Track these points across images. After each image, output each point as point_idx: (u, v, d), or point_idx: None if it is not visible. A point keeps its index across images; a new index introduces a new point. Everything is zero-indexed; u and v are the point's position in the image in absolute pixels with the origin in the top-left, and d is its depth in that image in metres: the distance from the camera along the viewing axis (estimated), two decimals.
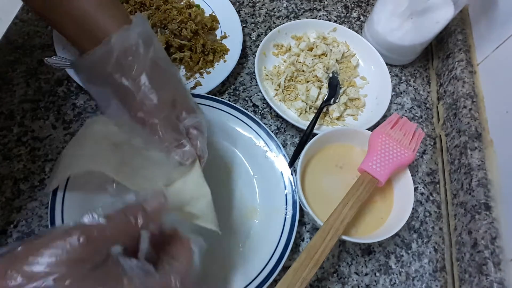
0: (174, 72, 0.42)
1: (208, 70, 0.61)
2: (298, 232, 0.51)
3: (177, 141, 0.38)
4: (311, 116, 0.59)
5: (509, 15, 0.56)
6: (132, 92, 0.38)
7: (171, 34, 0.61)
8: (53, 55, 0.56)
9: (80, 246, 0.25)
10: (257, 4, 0.73)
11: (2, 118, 0.54)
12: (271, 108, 0.60)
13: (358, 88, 0.65)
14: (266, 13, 0.73)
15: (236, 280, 0.45)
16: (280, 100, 0.61)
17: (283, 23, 0.68)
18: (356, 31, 0.70)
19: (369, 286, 0.50)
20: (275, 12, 0.73)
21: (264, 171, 0.53)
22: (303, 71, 0.64)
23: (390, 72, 0.65)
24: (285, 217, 0.48)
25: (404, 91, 0.67)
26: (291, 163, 0.52)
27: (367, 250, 0.52)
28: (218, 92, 0.62)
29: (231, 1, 0.69)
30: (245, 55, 0.67)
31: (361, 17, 0.75)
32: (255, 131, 0.54)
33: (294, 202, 0.49)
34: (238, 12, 0.68)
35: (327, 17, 0.74)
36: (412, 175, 0.51)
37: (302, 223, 0.52)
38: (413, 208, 0.49)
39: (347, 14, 0.75)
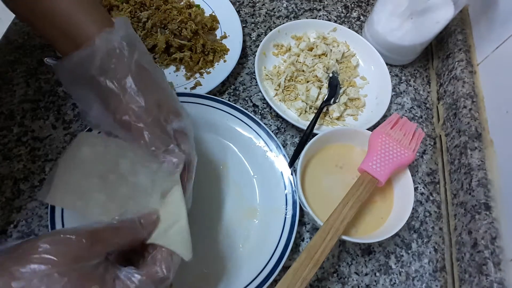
0: (159, 74, 0.41)
1: (208, 70, 0.61)
2: (298, 232, 0.51)
3: (165, 145, 0.37)
4: (311, 116, 0.59)
5: (509, 15, 0.56)
6: (118, 95, 0.37)
7: (171, 34, 0.61)
8: (53, 55, 0.56)
9: (86, 246, 0.26)
10: (257, 4, 0.73)
11: (2, 118, 0.54)
12: (271, 108, 0.60)
13: (358, 88, 0.65)
14: (266, 13, 0.73)
15: (236, 280, 0.45)
16: (280, 100, 0.61)
17: (283, 23, 0.68)
18: (356, 31, 0.70)
19: (369, 286, 0.50)
20: (275, 12, 0.73)
21: (264, 171, 0.53)
22: (303, 71, 0.64)
23: (390, 72, 0.65)
24: (285, 217, 0.48)
25: (404, 91, 0.67)
26: (291, 163, 0.52)
27: (367, 250, 0.52)
28: (218, 92, 0.62)
29: (231, 1, 0.69)
30: (245, 55, 0.67)
31: (361, 17, 0.75)
32: (255, 131, 0.54)
33: (294, 202, 0.49)
34: (238, 12, 0.68)
35: (327, 17, 0.74)
36: (412, 175, 0.51)
37: (302, 223, 0.52)
38: (413, 208, 0.49)
39: (347, 14, 0.75)
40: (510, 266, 0.45)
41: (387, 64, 0.65)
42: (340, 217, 0.44)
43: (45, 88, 0.58)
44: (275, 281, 0.41)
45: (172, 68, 0.61)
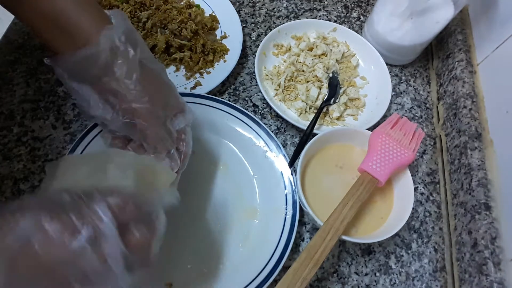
0: (160, 70, 0.41)
1: (208, 70, 0.61)
2: (298, 232, 0.51)
3: (167, 150, 0.39)
4: (311, 116, 0.59)
5: (509, 15, 0.56)
6: (123, 95, 0.37)
7: (171, 34, 0.61)
8: (53, 55, 0.56)
9: (131, 208, 0.27)
10: (257, 4, 0.73)
11: (2, 118, 0.54)
12: (271, 108, 0.60)
13: (358, 88, 0.65)
14: (266, 13, 0.73)
15: (236, 280, 0.45)
16: (280, 100, 0.61)
17: (283, 23, 0.68)
18: (356, 31, 0.70)
19: (369, 286, 0.50)
20: (275, 12, 0.73)
21: (264, 171, 0.53)
22: (303, 71, 0.64)
23: (390, 72, 0.65)
24: (285, 217, 0.48)
25: (404, 91, 0.67)
26: (291, 163, 0.52)
27: (367, 250, 0.52)
28: (218, 92, 0.62)
29: (231, 1, 0.69)
30: (245, 55, 0.67)
31: (361, 17, 0.75)
32: (255, 131, 0.54)
33: (294, 202, 0.49)
34: (238, 12, 0.68)
35: (327, 17, 0.74)
36: (412, 175, 0.51)
37: (302, 223, 0.52)
38: (413, 208, 0.49)
39: (347, 14, 0.75)
40: (510, 266, 0.45)
41: (387, 64, 0.65)
42: (340, 217, 0.44)
43: (45, 88, 0.58)
44: (275, 281, 0.41)
45: (172, 68, 0.61)
